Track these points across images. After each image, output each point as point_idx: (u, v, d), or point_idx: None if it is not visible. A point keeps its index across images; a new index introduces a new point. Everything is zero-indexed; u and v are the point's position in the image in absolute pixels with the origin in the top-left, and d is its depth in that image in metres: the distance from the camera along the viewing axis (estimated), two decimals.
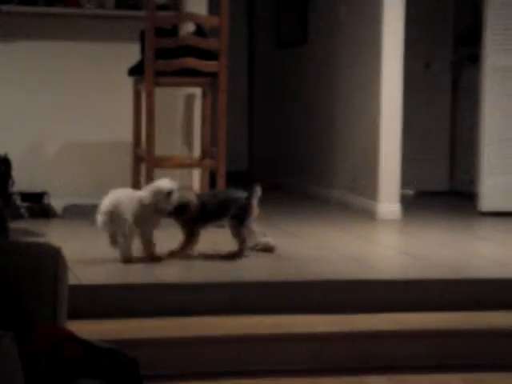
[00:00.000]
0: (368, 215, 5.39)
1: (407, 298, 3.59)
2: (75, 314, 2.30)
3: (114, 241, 3.79)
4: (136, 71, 4.92)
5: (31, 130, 5.22)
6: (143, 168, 4.89)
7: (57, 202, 5.12)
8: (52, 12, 5.19)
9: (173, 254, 3.91)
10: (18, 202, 4.87)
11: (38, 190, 5.03)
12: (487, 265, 4.10)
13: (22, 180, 4.93)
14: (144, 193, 3.83)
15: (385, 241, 4.85)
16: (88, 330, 2.73)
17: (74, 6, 5.21)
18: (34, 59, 5.20)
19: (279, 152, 7.15)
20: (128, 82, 5.06)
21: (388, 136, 5.36)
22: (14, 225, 4.45)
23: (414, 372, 3.25)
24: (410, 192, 6.49)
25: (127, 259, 3.76)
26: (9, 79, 5.17)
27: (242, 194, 4.03)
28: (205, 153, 5.13)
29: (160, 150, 4.92)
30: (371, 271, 3.85)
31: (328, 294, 3.55)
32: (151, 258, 3.81)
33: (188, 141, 5.33)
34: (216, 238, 4.23)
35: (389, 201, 5.36)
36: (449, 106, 6.71)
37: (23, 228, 4.58)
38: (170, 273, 3.73)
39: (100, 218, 3.75)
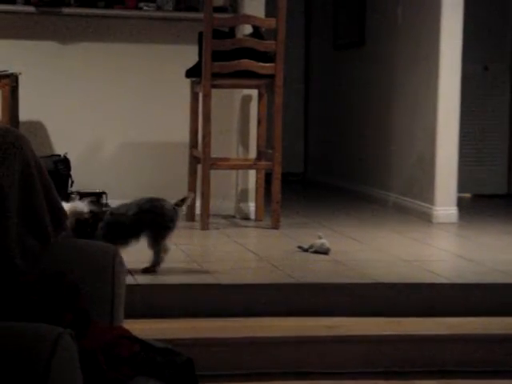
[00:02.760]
0: (425, 218, 5.34)
1: (463, 301, 3.56)
2: (132, 314, 2.33)
3: None
4: (193, 73, 4.96)
5: (90, 130, 5.29)
6: (199, 169, 4.93)
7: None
8: (111, 14, 5.26)
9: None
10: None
11: (97, 190, 5.10)
12: None
13: (81, 180, 5.00)
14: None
15: (441, 244, 4.81)
16: (144, 329, 2.77)
17: (133, 8, 5.27)
18: (92, 61, 5.27)
19: (335, 154, 7.13)
20: (185, 84, 5.10)
21: (445, 139, 5.31)
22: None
23: (466, 377, 3.21)
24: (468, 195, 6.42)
25: None
26: (68, 80, 5.26)
27: (163, 204, 3.67)
28: (260, 154, 5.14)
29: (216, 152, 4.96)
30: (428, 274, 3.82)
31: (384, 297, 3.53)
32: None
33: (244, 142, 5.35)
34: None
35: (446, 204, 5.31)
36: (507, 109, 6.62)
37: None
38: (226, 273, 3.75)
39: None
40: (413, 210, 5.54)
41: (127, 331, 1.85)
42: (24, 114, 5.03)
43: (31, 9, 5.10)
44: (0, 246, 1.81)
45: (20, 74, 4.91)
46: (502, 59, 6.58)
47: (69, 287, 1.72)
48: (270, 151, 4.94)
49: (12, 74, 4.78)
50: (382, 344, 3.27)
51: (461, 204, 5.47)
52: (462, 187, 5.58)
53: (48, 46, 5.20)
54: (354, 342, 3.27)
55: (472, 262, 4.09)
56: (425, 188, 5.44)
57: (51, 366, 1.36)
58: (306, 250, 4.19)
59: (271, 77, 4.84)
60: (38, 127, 5.19)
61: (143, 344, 1.82)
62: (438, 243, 4.84)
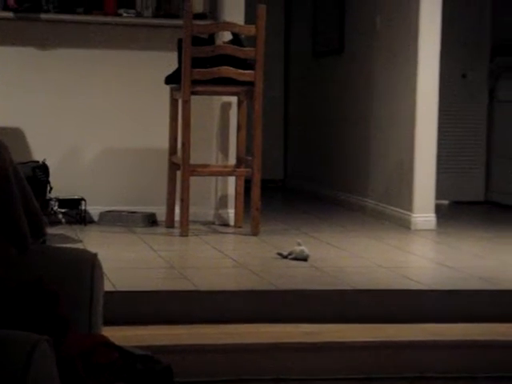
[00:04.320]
0: (403, 225, 5.36)
1: (442, 308, 3.58)
2: (110, 320, 2.32)
3: None
4: (173, 79, 4.96)
5: (69, 136, 5.27)
6: (179, 175, 4.92)
7: (93, 209, 5.17)
8: (90, 20, 5.25)
9: None
10: (56, 208, 4.92)
11: (75, 196, 5.08)
12: None
13: (60, 186, 4.98)
14: None
15: (420, 251, 4.83)
16: (123, 336, 2.76)
17: (112, 15, 5.26)
18: (72, 67, 5.25)
19: (314, 161, 7.14)
20: (165, 91, 5.09)
21: (423, 146, 5.34)
22: (51, 231, 4.51)
23: (445, 383, 3.23)
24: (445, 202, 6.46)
25: None
26: (47, 87, 5.23)
27: None
28: (240, 161, 5.15)
29: (195, 158, 4.95)
30: (406, 281, 3.84)
31: (362, 304, 3.54)
32: None
33: (223, 149, 5.36)
34: None
35: (424, 211, 5.33)
36: (485, 116, 6.66)
37: (60, 234, 4.63)
38: (205, 280, 3.75)
39: None
40: (391, 216, 5.57)
41: (106, 338, 1.84)
42: (2, 120, 5.00)
43: (9, 14, 5.08)
44: None
45: None
46: (480, 67, 6.62)
47: (47, 294, 1.71)
48: (250, 158, 4.94)
49: None
50: (362, 350, 3.28)
51: (439, 211, 5.50)
52: (440, 194, 5.60)
53: (26, 52, 5.18)
54: (333, 349, 3.28)
55: (450, 269, 4.11)
56: (403, 195, 5.46)
57: (29, 373, 1.35)
58: (285, 257, 4.19)
59: (251, 84, 4.85)
60: (16, 133, 5.16)
61: (122, 351, 1.82)
62: (416, 250, 4.86)
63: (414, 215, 5.33)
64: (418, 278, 3.93)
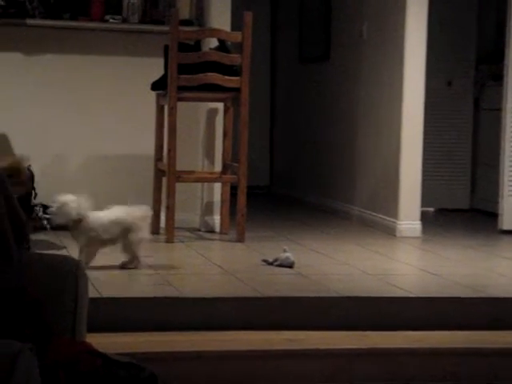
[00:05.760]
0: (388, 232, 5.37)
1: (427, 315, 3.58)
2: (94, 327, 2.31)
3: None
4: (159, 86, 4.95)
5: (54, 142, 5.25)
6: (165, 182, 4.91)
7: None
8: (76, 26, 5.24)
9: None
10: (40, 213, 4.90)
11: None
12: (508, 283, 4.08)
13: (45, 192, 4.96)
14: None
15: (405, 258, 4.84)
16: (107, 343, 2.75)
17: (99, 21, 5.25)
18: (57, 72, 5.24)
19: (300, 167, 7.15)
20: (151, 97, 5.09)
21: (409, 153, 5.35)
22: (35, 237, 4.49)
23: None
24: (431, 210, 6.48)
25: None
26: (32, 92, 5.22)
27: None
28: (226, 167, 5.15)
29: (181, 165, 4.95)
30: (391, 288, 3.84)
31: (347, 311, 3.54)
32: None
33: (209, 155, 5.35)
34: None
35: (409, 218, 5.34)
36: (471, 124, 6.68)
37: (45, 240, 4.61)
38: (190, 286, 3.74)
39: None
40: (377, 223, 5.57)
41: (89, 345, 1.84)
42: None
43: None
44: None
45: None
46: (465, 74, 6.65)
47: (30, 302, 1.70)
48: (236, 164, 4.94)
49: None
50: (347, 358, 3.28)
51: (424, 218, 5.51)
52: (425, 201, 5.62)
53: (12, 58, 5.16)
54: (317, 356, 3.27)
55: (435, 276, 4.12)
56: (389, 202, 5.47)
57: (11, 380, 1.34)
58: (270, 264, 4.19)
59: (237, 90, 4.85)
60: (1, 139, 5.14)
61: (106, 358, 1.81)
62: (401, 257, 4.87)
63: (400, 222, 5.34)
64: (402, 284, 3.93)
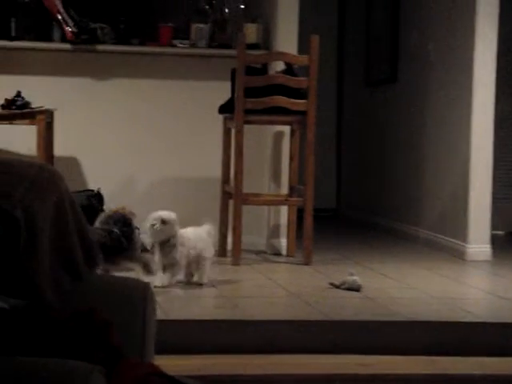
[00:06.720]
0: (457, 255, 5.29)
1: (498, 341, 3.50)
2: (162, 349, 2.32)
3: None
4: (226, 109, 4.99)
5: (123, 165, 5.33)
6: (231, 204, 4.93)
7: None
8: (145, 51, 5.32)
9: None
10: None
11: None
12: None
13: None
14: None
15: (474, 282, 4.75)
16: (174, 365, 2.76)
17: (167, 46, 5.33)
18: (126, 97, 5.32)
19: (367, 190, 7.11)
20: (218, 120, 5.13)
21: (478, 176, 5.27)
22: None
23: None
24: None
25: None
26: (102, 117, 5.31)
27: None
28: (292, 190, 5.15)
29: (248, 187, 4.96)
30: (461, 313, 3.78)
31: (415, 335, 3.49)
32: None
33: (276, 178, 5.36)
34: None
35: (479, 241, 5.25)
36: None
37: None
38: (257, 309, 3.74)
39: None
40: (445, 246, 5.50)
41: (157, 368, 1.84)
42: (58, 150, 5.08)
43: (67, 46, 5.17)
44: (32, 281, 1.82)
45: (55, 109, 4.97)
46: None
47: (100, 324, 1.72)
48: (302, 187, 4.94)
49: (47, 110, 4.84)
50: (416, 383, 3.23)
51: (494, 241, 5.41)
52: (495, 225, 5.52)
53: (83, 83, 5.27)
54: (387, 381, 3.23)
55: (507, 301, 4.04)
56: (457, 225, 5.39)
57: None
58: (337, 287, 4.16)
59: (303, 113, 4.85)
60: (72, 163, 5.24)
61: (173, 381, 1.81)
62: (470, 281, 4.79)
63: (469, 245, 5.26)
64: (473, 309, 3.86)
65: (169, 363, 2.31)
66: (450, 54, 5.60)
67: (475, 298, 4.23)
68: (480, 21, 5.22)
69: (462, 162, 5.38)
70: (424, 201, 5.96)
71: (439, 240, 5.62)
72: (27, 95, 4.77)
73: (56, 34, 5.19)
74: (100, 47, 5.22)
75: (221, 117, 5.11)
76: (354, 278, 4.15)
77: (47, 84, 5.17)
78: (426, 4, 6.01)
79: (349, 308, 3.82)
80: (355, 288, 4.11)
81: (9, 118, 4.69)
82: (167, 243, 3.99)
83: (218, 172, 5.17)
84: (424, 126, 6.00)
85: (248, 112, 4.80)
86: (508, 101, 6.35)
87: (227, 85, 4.96)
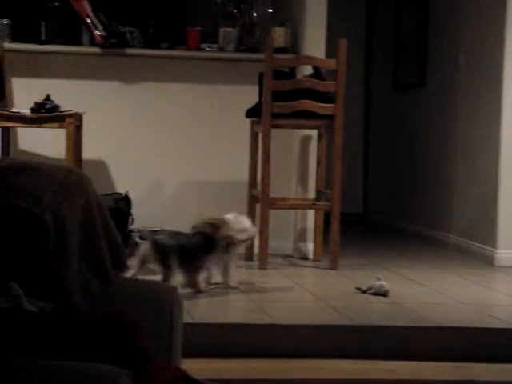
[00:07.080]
0: (486, 261, 5.25)
1: None
2: (188, 353, 2.33)
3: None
4: (253, 113, 4.99)
5: (151, 169, 5.35)
6: (258, 208, 4.93)
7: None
8: (173, 55, 5.34)
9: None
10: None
11: (157, 228, 5.13)
12: None
13: (142, 218, 5.05)
14: None
15: (504, 288, 4.71)
16: (201, 369, 2.76)
17: (195, 49, 5.35)
18: (154, 101, 5.34)
19: (394, 194, 7.08)
20: (246, 124, 5.13)
21: (508, 180, 5.23)
22: (132, 262, 4.56)
23: None
24: None
25: None
26: (130, 120, 5.34)
27: None
28: (319, 194, 5.14)
29: (275, 191, 4.96)
30: (490, 319, 3.75)
31: (444, 341, 3.47)
32: None
33: (303, 182, 5.35)
34: None
35: (509, 247, 5.21)
36: None
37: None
38: (283, 313, 3.73)
39: None
40: (474, 252, 5.46)
41: (184, 371, 1.84)
42: (86, 153, 5.11)
43: (96, 50, 5.21)
44: (60, 284, 1.83)
45: (84, 113, 5.00)
46: None
47: (128, 327, 1.73)
48: (329, 191, 4.93)
49: (76, 113, 4.87)
50: None
51: None
52: None
53: (111, 86, 5.30)
54: None
55: None
56: (486, 230, 5.36)
57: None
58: (364, 292, 4.15)
59: (331, 117, 4.84)
60: (100, 166, 5.27)
61: None
62: (500, 287, 4.75)
63: (498, 251, 5.22)
64: (501, 316, 3.83)
65: (195, 367, 2.31)
66: (479, 58, 5.56)
67: (504, 304, 4.19)
68: (510, 25, 5.19)
69: (491, 166, 5.35)
70: (453, 205, 5.92)
71: (468, 245, 5.58)
72: (56, 99, 4.81)
73: (85, 38, 5.22)
74: (129, 51, 5.25)
75: (248, 121, 5.11)
76: (381, 282, 4.13)
77: (76, 88, 5.21)
78: (456, 9, 5.98)
79: (375, 313, 3.80)
80: (382, 293, 4.10)
81: (38, 122, 4.72)
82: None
83: (244, 176, 5.17)
84: (452, 130, 5.96)
85: (275, 116, 4.80)
86: None
87: (255, 89, 4.97)
